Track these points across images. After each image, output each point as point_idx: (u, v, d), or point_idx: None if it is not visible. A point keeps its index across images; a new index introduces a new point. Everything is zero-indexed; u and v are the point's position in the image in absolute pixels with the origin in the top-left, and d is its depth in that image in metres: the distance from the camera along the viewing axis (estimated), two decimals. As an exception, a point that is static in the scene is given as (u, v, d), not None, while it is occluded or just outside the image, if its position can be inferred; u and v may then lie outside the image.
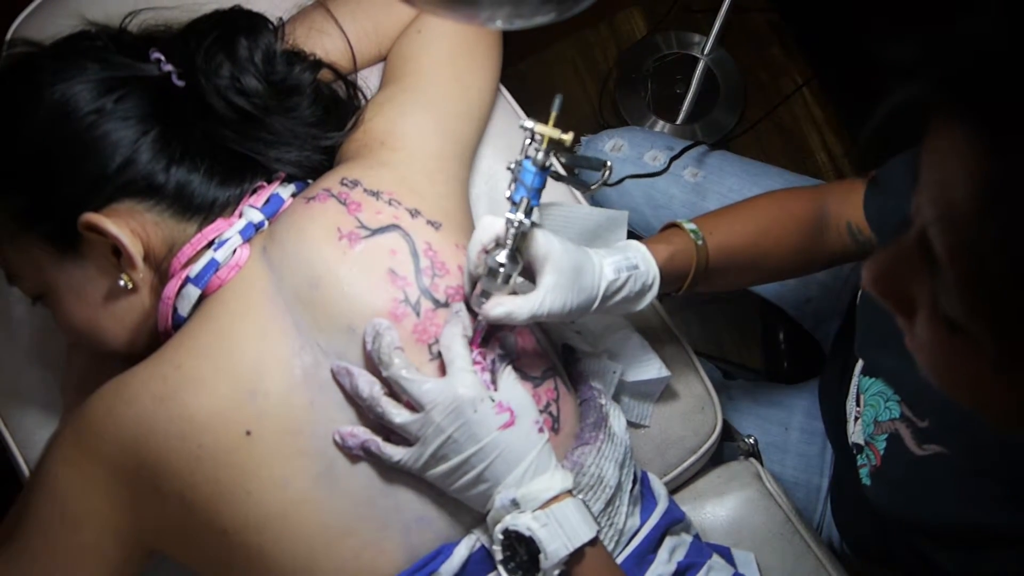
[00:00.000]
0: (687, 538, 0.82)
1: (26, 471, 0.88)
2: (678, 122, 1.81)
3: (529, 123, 0.67)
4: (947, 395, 0.49)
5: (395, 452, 0.68)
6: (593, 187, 0.78)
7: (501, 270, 0.68)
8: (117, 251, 0.71)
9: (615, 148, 1.19)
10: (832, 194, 0.89)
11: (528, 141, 0.68)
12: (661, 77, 1.83)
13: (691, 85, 1.80)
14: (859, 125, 1.79)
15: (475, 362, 0.69)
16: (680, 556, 0.79)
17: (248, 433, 0.66)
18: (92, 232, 0.70)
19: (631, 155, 1.18)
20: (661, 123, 1.81)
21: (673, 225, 0.84)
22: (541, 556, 0.65)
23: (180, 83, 0.76)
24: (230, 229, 0.73)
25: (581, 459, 0.74)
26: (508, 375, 0.70)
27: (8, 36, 0.96)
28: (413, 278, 0.72)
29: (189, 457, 0.66)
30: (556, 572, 0.66)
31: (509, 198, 0.68)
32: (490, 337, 0.72)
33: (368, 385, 0.68)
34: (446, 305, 0.72)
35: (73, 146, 0.71)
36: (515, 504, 0.66)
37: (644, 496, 0.82)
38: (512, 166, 0.69)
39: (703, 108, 1.81)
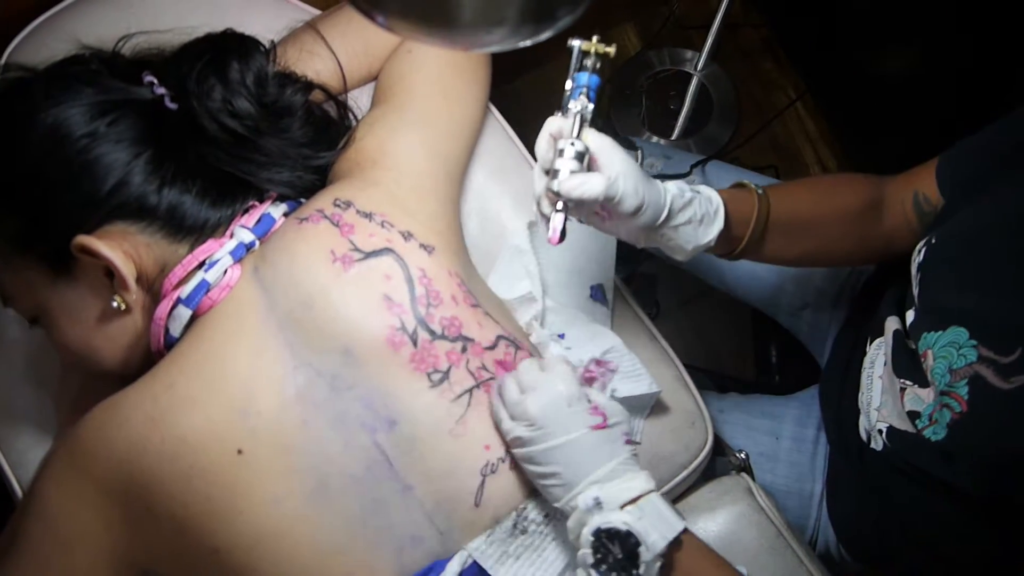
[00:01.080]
0: (678, 553, 0.82)
1: (19, 492, 0.88)
2: (673, 138, 1.82)
3: (576, 41, 0.72)
4: None
5: (502, 415, 0.72)
6: None
7: (572, 146, 0.71)
8: (110, 273, 0.72)
9: None
10: (892, 180, 0.92)
11: (576, 57, 0.73)
12: (655, 93, 1.85)
13: (685, 101, 1.81)
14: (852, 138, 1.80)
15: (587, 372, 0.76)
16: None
17: (240, 452, 0.67)
18: (85, 254, 0.71)
19: None
20: (656, 139, 1.82)
21: (734, 186, 0.87)
22: (642, 548, 0.65)
23: (173, 106, 0.76)
24: (221, 250, 0.74)
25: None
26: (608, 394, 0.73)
27: (2, 60, 0.97)
28: (409, 306, 0.73)
29: (181, 477, 0.66)
30: (657, 564, 0.66)
31: (564, 104, 0.73)
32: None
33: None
34: (443, 337, 0.73)
35: (67, 169, 0.71)
36: (598, 504, 0.67)
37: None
38: (566, 90, 0.73)
39: (697, 123, 1.82)
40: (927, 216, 0.88)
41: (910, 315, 0.87)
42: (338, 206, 0.76)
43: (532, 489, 0.75)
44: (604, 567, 0.65)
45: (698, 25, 1.84)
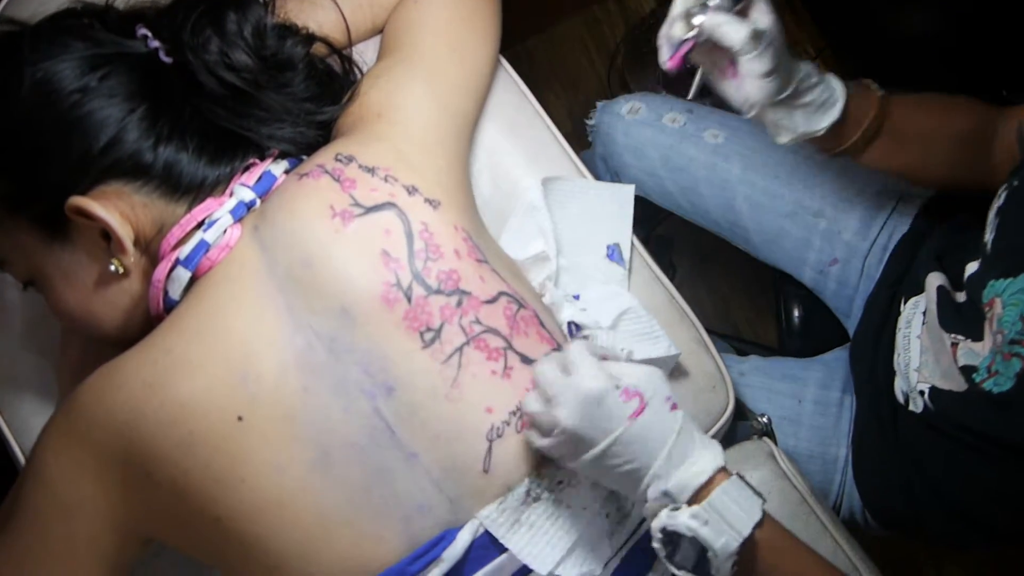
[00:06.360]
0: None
1: (22, 459, 0.87)
2: (689, 97, 1.76)
3: None
4: None
5: (534, 436, 0.67)
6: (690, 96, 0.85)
7: None
8: (107, 235, 0.70)
9: (632, 111, 1.17)
10: (1006, 110, 0.89)
11: None
12: (671, 52, 1.80)
13: (701, 60, 1.77)
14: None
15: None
16: (692, 542, 0.77)
17: (240, 419, 0.65)
18: (80, 216, 0.69)
19: (649, 117, 1.15)
20: (671, 99, 1.78)
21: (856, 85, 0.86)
22: (710, 554, 0.63)
23: (168, 59, 0.74)
24: (220, 209, 0.72)
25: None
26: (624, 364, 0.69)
27: (-5, 15, 0.95)
28: (406, 261, 0.70)
29: (180, 443, 0.64)
30: (730, 563, 0.63)
31: None
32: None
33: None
34: (439, 291, 0.70)
35: (57, 126, 0.69)
36: (667, 495, 0.64)
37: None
38: None
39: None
40: None
41: (972, 266, 0.84)
42: (339, 161, 0.73)
43: (544, 455, 0.72)
44: (676, 559, 0.66)
45: (715, -20, 1.79)
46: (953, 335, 0.84)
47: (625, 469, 0.65)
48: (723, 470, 0.66)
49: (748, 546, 0.64)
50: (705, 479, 0.64)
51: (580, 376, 0.64)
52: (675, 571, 0.66)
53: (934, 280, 0.89)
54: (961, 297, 0.86)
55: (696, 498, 0.64)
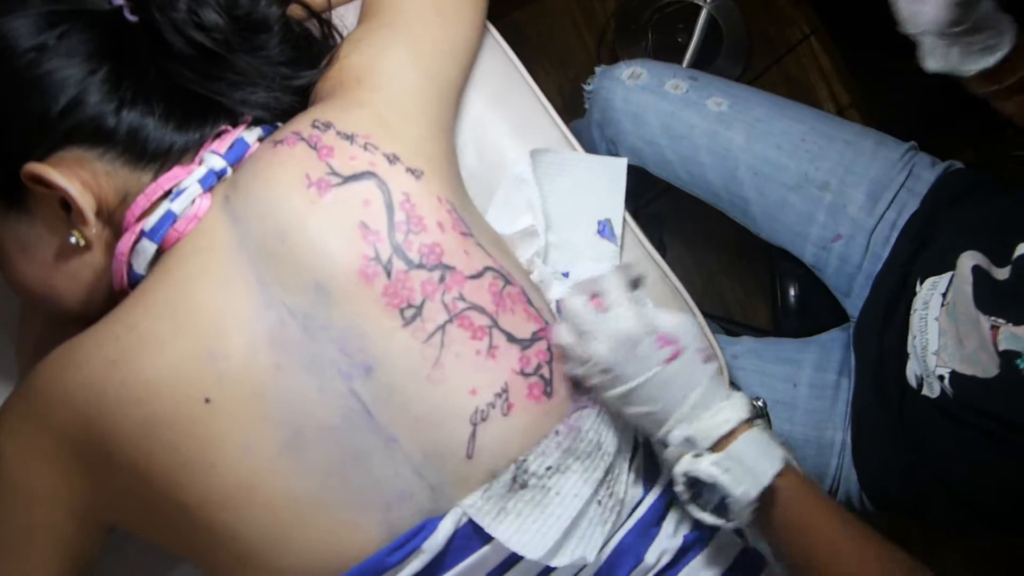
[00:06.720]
0: (693, 509, 0.77)
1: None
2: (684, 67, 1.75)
3: None
4: None
5: (568, 366, 0.69)
6: None
7: None
8: (67, 205, 0.66)
9: (633, 76, 1.12)
10: None
11: None
12: (662, 27, 1.76)
13: (693, 35, 1.73)
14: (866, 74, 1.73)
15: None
16: (686, 530, 0.74)
17: (207, 400, 0.61)
18: (38, 184, 0.64)
19: (650, 83, 1.11)
20: (674, 65, 1.75)
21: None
22: (730, 500, 0.64)
23: (132, 18, 0.69)
24: (188, 177, 0.67)
25: (579, 423, 0.69)
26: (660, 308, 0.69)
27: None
28: (386, 233, 0.66)
29: (143, 423, 0.61)
30: (750, 510, 0.64)
31: None
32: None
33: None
34: (420, 266, 0.66)
35: (12, 86, 0.65)
36: (689, 442, 0.66)
37: (647, 466, 0.76)
38: None
39: (706, 59, 1.75)
40: None
41: None
42: (316, 127, 0.69)
43: (531, 439, 0.68)
44: (698, 504, 0.68)
45: (708, -47, 1.75)
46: (992, 318, 0.81)
47: (650, 409, 0.66)
48: (747, 422, 0.66)
49: (768, 495, 0.65)
50: (728, 428, 0.65)
51: (616, 317, 0.66)
52: (697, 515, 0.67)
53: (968, 260, 0.85)
54: (1002, 275, 0.83)
55: (718, 446, 0.65)
